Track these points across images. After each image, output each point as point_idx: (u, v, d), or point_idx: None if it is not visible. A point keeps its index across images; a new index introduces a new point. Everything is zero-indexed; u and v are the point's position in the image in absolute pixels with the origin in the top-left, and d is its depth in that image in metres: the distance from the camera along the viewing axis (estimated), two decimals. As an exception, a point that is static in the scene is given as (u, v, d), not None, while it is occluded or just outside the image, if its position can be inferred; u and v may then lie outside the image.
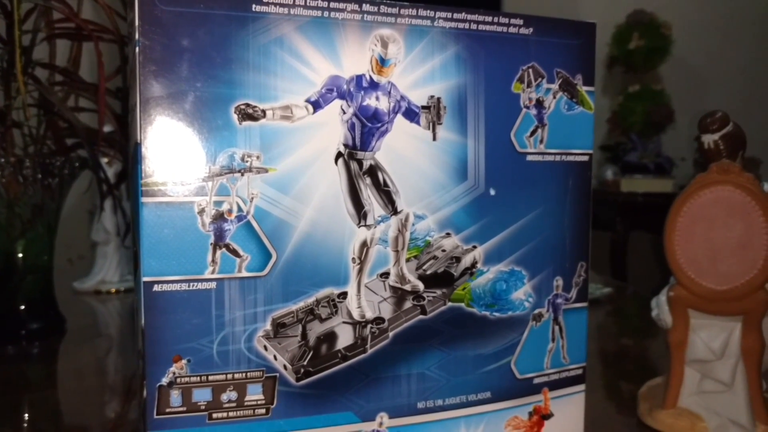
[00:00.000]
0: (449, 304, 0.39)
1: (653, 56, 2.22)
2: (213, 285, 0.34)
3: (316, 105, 0.35)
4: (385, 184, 0.37)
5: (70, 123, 0.71)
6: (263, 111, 0.34)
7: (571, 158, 0.42)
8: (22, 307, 0.73)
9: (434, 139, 0.38)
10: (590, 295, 0.55)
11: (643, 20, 2.22)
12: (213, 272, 0.34)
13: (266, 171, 0.34)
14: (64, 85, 0.78)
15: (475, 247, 0.40)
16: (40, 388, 0.61)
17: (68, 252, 1.08)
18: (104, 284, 0.98)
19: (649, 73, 2.29)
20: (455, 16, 0.38)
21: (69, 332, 0.76)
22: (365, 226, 0.37)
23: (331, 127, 0.36)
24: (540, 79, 0.41)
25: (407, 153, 0.37)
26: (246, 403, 0.35)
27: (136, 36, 0.32)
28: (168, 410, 0.34)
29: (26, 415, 0.53)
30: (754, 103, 2.36)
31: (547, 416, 0.43)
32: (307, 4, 0.35)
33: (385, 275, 0.38)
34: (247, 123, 0.34)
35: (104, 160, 0.88)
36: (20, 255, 0.73)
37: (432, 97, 0.38)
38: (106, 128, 0.72)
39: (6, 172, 0.68)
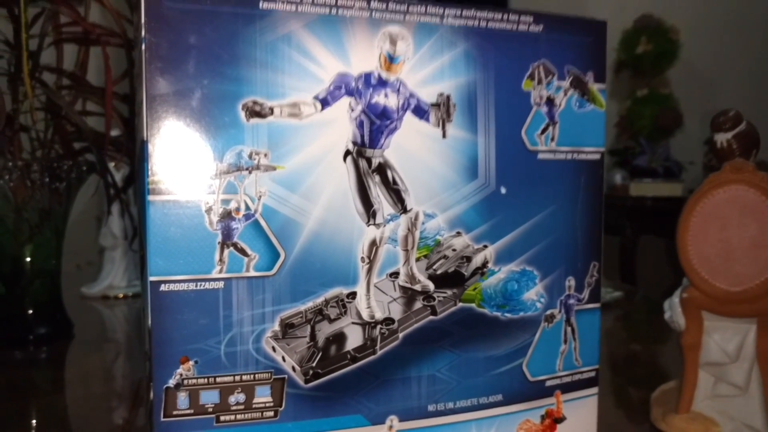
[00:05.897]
0: (460, 304, 0.39)
1: (661, 60, 2.22)
2: (221, 285, 0.34)
3: (325, 102, 0.35)
4: (395, 182, 0.37)
5: (78, 127, 0.71)
6: (271, 108, 0.34)
7: (582, 156, 0.42)
8: (30, 311, 0.73)
9: (444, 136, 0.37)
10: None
11: (651, 25, 2.22)
12: (220, 272, 0.34)
13: (274, 169, 0.34)
14: (72, 89, 0.78)
15: (485, 246, 0.39)
16: (48, 393, 0.61)
17: (76, 257, 1.09)
18: (112, 289, 0.98)
19: (657, 77, 2.28)
20: (464, 13, 0.38)
21: (76, 337, 0.76)
22: (374, 224, 0.36)
23: (340, 124, 0.35)
24: (550, 77, 0.40)
25: (417, 151, 0.37)
26: (254, 406, 0.35)
27: (143, 33, 0.32)
28: (175, 412, 0.33)
29: (33, 420, 0.53)
30: (762, 106, 2.34)
31: (560, 420, 0.42)
32: (315, 1, 0.35)
33: (395, 275, 0.37)
34: (255, 120, 0.34)
35: (111, 164, 0.88)
36: (28, 259, 0.73)
37: (441, 94, 0.37)
38: (114, 132, 0.72)
39: (14, 177, 0.68)
